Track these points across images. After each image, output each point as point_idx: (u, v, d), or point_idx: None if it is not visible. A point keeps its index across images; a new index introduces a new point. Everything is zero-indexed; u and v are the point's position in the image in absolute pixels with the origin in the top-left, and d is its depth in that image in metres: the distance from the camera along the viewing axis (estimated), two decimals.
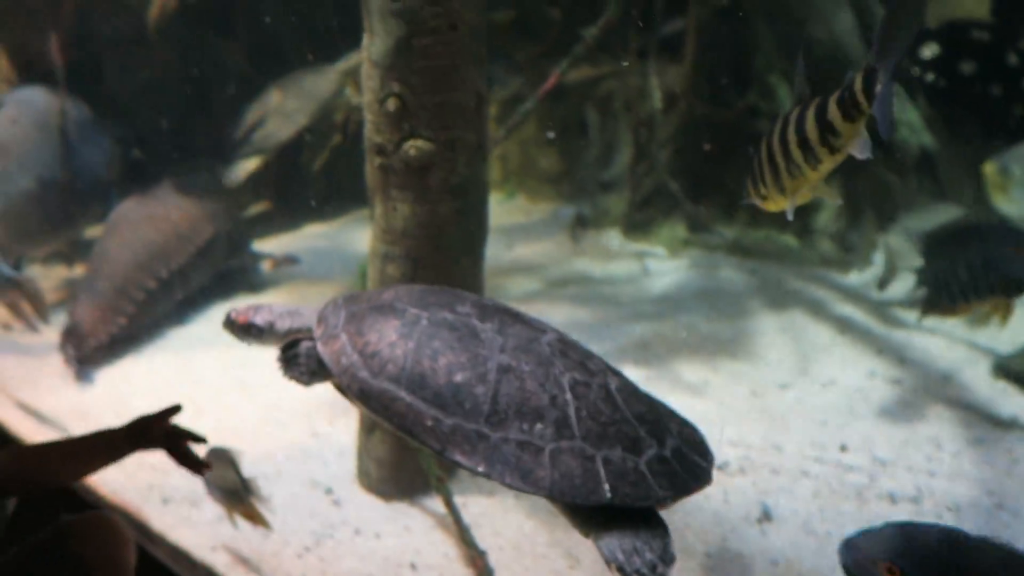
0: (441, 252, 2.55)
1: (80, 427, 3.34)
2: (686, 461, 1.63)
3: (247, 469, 2.35)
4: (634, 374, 3.55)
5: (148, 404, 3.60)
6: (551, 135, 5.82)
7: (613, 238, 5.24)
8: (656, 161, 4.96)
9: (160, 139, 5.47)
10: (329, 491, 2.86)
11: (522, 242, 5.34)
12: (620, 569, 1.47)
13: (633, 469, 1.55)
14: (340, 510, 2.77)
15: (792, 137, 1.89)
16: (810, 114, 1.86)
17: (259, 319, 1.86)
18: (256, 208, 5.82)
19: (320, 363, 1.75)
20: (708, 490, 2.68)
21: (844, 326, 3.83)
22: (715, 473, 2.78)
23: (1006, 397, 3.20)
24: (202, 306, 4.50)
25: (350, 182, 5.36)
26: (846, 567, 1.65)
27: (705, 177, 4.93)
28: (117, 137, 5.06)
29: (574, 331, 4.08)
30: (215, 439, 3.18)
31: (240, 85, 5.72)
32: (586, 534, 1.56)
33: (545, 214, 5.85)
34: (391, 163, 2.48)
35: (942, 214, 3.49)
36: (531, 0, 5.86)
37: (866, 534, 1.66)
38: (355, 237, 5.60)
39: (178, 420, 1.88)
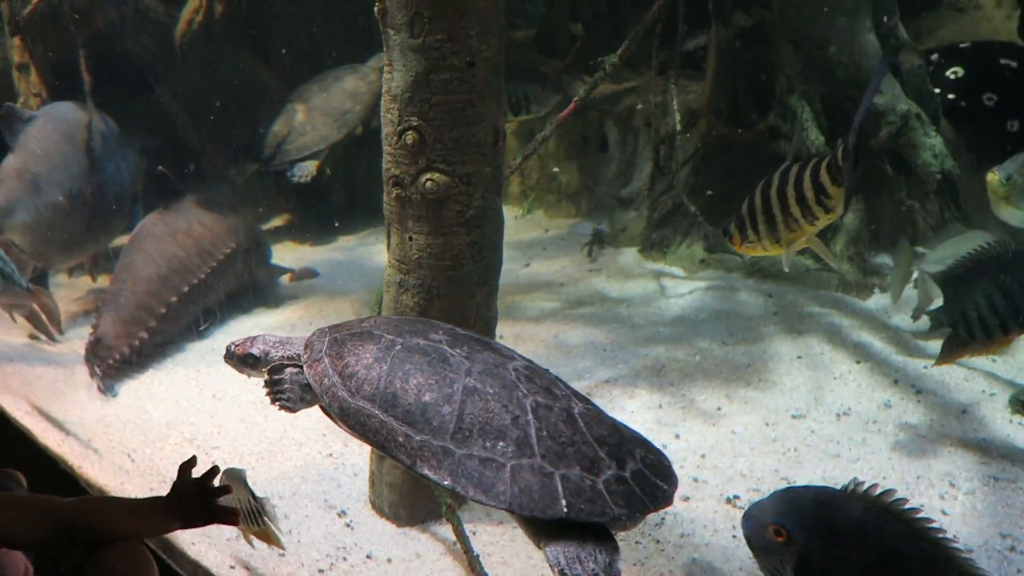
0: (455, 283, 2.59)
1: (104, 440, 3.42)
2: (646, 483, 1.71)
3: (263, 488, 2.39)
4: (648, 399, 3.58)
5: (169, 418, 3.68)
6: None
7: (630, 256, 5.24)
8: (675, 180, 4.95)
9: (192, 149, 5.59)
10: (342, 513, 2.90)
11: (539, 258, 5.36)
12: (561, 573, 1.57)
13: (590, 487, 1.65)
14: (353, 533, 2.81)
15: (791, 194, 2.09)
16: (807, 175, 2.09)
17: (255, 349, 2.05)
18: (276, 222, 5.91)
19: (305, 388, 1.92)
20: (717, 525, 2.72)
21: (861, 354, 3.80)
22: (726, 507, 2.81)
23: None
24: (222, 321, 4.57)
25: (368, 198, 5.43)
26: (746, 537, 1.81)
27: (724, 196, 4.91)
28: (142, 147, 5.16)
29: (589, 353, 4.10)
30: (233, 458, 3.26)
31: (268, 97, 5.81)
32: (537, 544, 1.67)
33: (563, 230, 5.86)
34: (408, 195, 2.52)
35: (975, 242, 3.43)
36: (553, 16, 5.89)
37: (758, 504, 1.82)
38: (374, 251, 5.66)
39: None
